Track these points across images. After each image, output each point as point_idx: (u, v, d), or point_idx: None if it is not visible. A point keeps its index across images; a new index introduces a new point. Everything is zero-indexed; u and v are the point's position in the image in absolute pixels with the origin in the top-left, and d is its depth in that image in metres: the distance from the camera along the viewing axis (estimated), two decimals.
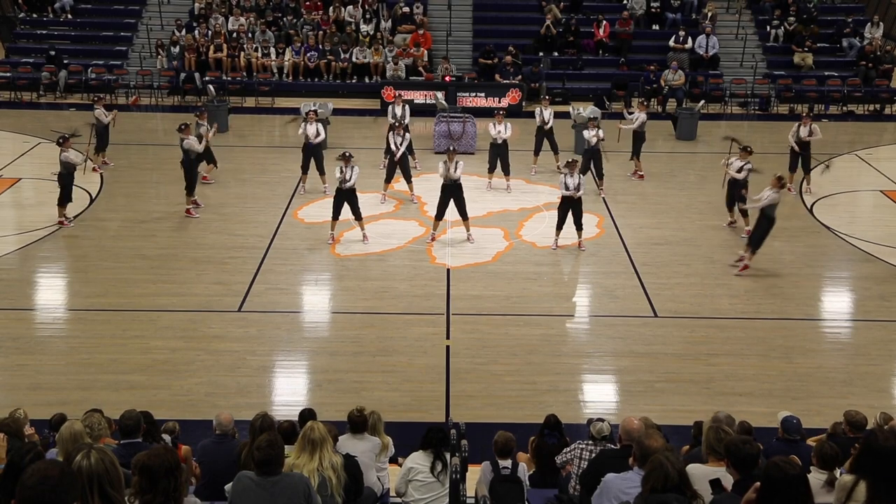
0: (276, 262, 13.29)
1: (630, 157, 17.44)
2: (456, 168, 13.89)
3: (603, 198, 16.14)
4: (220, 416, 7.17)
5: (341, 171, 13.66)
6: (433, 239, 14.33)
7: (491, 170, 16.74)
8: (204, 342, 11.34)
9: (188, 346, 11.22)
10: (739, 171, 14.33)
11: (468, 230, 14.30)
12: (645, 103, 18.88)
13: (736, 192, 14.58)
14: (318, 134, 16.26)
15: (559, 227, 14.05)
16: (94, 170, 17.00)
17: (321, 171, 16.39)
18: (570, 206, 13.85)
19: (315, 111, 17.00)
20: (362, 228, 14.18)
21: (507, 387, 10.49)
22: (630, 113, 18.01)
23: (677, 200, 16.45)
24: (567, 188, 13.68)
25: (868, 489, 4.60)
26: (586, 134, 16.14)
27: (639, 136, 17.32)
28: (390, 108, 17.52)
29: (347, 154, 13.84)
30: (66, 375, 10.52)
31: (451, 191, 14.06)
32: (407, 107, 17.36)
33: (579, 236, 14.11)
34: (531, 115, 20.56)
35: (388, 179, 16.00)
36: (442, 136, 18.64)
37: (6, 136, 20.07)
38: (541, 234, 14.71)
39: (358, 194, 14.03)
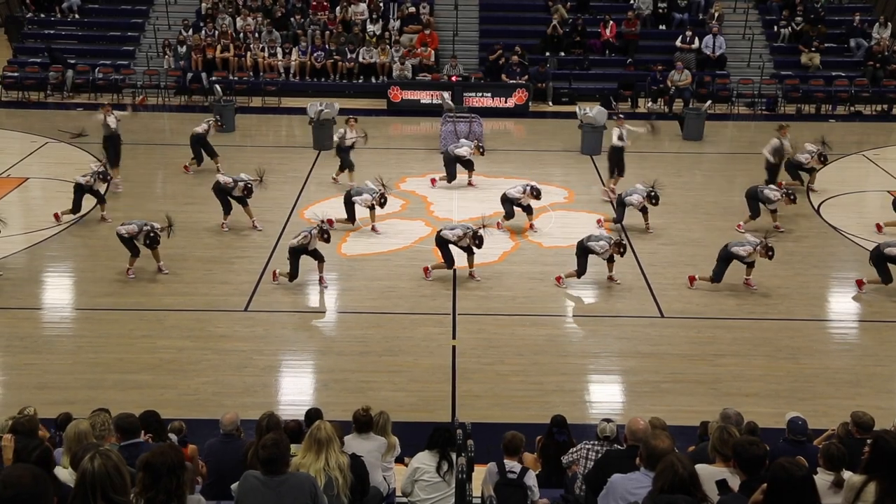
0: (282, 262, 13.28)
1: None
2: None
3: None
4: (224, 417, 7.21)
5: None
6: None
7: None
8: (211, 342, 11.37)
9: (195, 346, 11.24)
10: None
11: (471, 266, 13.07)
12: (622, 116, 17.47)
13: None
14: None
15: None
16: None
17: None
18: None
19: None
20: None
21: (513, 387, 10.49)
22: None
23: (684, 201, 16.39)
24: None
25: (878, 489, 4.60)
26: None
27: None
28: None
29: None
30: (73, 375, 10.55)
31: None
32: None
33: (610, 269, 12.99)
34: (536, 115, 20.59)
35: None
36: (448, 136, 18.64)
37: (14, 135, 20.13)
38: (547, 234, 14.70)
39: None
